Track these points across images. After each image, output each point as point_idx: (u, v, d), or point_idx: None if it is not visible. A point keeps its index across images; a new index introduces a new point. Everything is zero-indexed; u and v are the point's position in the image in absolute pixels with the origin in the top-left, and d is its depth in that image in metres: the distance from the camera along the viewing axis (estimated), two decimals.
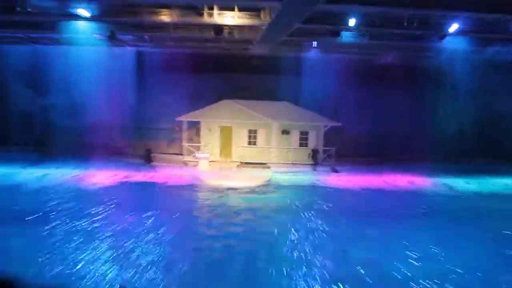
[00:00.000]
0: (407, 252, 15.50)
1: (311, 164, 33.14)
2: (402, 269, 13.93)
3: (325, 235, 17.62)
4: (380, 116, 33.93)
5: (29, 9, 22.63)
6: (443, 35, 26.68)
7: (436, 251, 15.77)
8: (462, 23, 24.96)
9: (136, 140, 35.56)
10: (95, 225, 18.23)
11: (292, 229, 18.38)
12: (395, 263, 14.42)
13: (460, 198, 25.71)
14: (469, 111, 34.98)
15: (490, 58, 29.19)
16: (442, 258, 15.18)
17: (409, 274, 13.63)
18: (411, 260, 14.76)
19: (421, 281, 13.12)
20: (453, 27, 25.25)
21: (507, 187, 28.46)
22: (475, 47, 28.52)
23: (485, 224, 19.75)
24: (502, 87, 32.06)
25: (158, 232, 17.31)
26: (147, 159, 33.34)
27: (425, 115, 33.51)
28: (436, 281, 13.10)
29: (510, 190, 27.88)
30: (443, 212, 22.06)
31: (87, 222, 18.39)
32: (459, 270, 13.97)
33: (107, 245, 15.75)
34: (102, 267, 13.72)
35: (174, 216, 19.88)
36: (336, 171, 31.83)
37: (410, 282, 13.07)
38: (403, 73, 33.85)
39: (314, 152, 33.54)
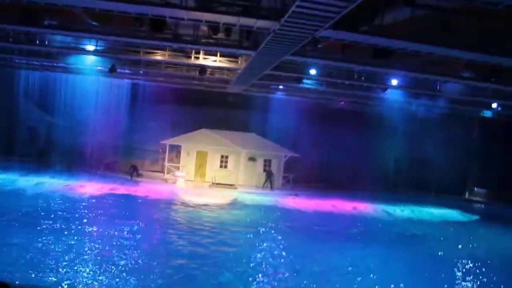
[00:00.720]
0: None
1: (267, 186, 33.21)
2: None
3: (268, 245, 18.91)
4: (331, 151, 34.31)
5: (47, 43, 22.60)
6: (385, 88, 27.41)
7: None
8: (400, 80, 25.72)
9: (125, 158, 35.23)
10: (78, 227, 18.48)
11: (247, 235, 19.85)
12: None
13: (396, 222, 26.43)
14: (402, 150, 35.93)
15: (418, 109, 30.32)
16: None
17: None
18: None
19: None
20: (393, 82, 25.96)
21: (432, 215, 29.65)
22: (409, 99, 29.39)
23: (414, 246, 20.65)
24: (427, 133, 33.31)
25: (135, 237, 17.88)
26: (132, 174, 32.96)
27: (367, 151, 34.26)
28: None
29: (434, 217, 29.02)
30: (378, 234, 22.78)
31: (69, 224, 18.48)
32: None
33: (85, 244, 16.20)
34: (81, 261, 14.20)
35: (150, 224, 20.54)
36: (296, 195, 31.40)
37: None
38: (351, 116, 34.80)
39: (269, 173, 33.75)
